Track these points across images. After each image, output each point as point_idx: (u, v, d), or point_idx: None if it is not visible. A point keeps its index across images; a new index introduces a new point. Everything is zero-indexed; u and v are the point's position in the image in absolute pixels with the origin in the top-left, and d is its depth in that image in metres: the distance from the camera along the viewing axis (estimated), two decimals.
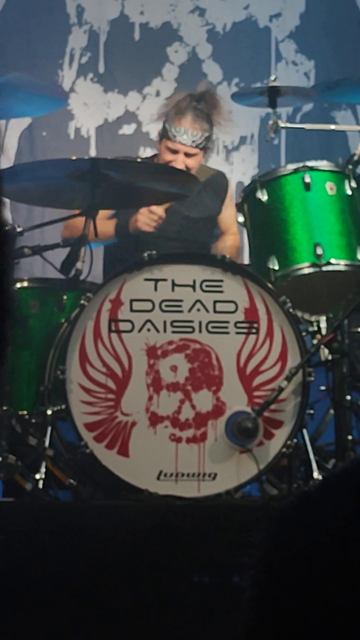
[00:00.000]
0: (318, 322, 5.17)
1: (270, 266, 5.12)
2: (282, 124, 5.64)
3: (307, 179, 5.20)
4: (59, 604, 4.15)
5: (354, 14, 7.53)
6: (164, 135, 5.76)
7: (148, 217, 5.48)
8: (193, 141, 5.68)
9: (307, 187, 5.20)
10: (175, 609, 3.97)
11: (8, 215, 6.62)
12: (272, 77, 5.71)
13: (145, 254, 4.92)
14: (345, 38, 7.49)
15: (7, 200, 6.35)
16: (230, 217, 5.93)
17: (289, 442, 4.83)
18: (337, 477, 0.90)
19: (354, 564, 0.82)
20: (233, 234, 5.96)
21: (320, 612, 0.82)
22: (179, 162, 5.63)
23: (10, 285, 0.82)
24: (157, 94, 7.31)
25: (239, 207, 5.42)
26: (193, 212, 5.86)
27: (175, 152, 5.68)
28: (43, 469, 4.76)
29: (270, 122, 5.56)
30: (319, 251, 5.08)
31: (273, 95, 5.56)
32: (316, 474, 4.77)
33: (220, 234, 5.99)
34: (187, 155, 5.66)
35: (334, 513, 0.86)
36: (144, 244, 5.31)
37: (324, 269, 5.10)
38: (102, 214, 5.40)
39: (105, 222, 5.63)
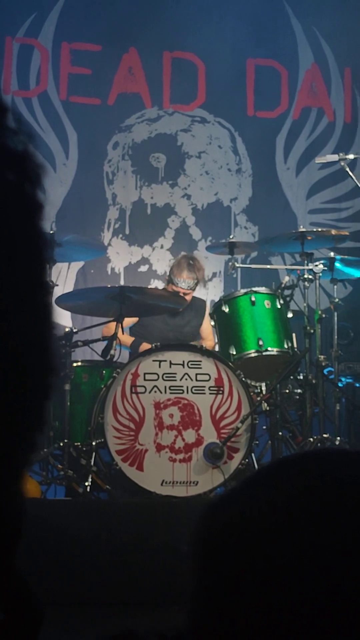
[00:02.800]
0: (260, 386, 5.11)
1: (231, 352, 5.10)
2: (237, 265, 5.61)
3: (253, 298, 5.17)
4: (100, 558, 4.11)
5: (281, 197, 7.60)
6: (170, 281, 5.81)
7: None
8: (188, 286, 5.74)
9: (253, 303, 5.17)
10: (170, 567, 3.92)
11: (69, 321, 6.66)
12: (231, 236, 5.70)
13: (153, 345, 4.95)
14: (275, 210, 7.54)
15: (68, 312, 6.39)
16: (208, 328, 5.92)
17: (243, 461, 4.80)
18: (252, 477, 0.82)
19: (260, 536, 0.74)
20: (210, 340, 5.90)
21: (241, 572, 0.74)
22: None
23: (52, 343, 0.76)
24: (162, 247, 7.26)
25: (211, 316, 5.37)
26: (183, 324, 5.91)
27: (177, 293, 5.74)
28: (90, 479, 4.73)
29: (230, 264, 5.51)
30: (260, 343, 5.07)
31: (232, 247, 5.54)
32: None
33: (201, 339, 6.01)
34: (184, 294, 5.72)
35: (248, 500, 0.78)
36: (155, 341, 5.31)
37: (264, 354, 5.07)
38: (127, 321, 5.43)
39: (127, 338, 5.67)
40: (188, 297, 5.75)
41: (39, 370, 0.74)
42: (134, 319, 5.77)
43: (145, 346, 5.52)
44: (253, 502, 0.77)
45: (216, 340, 5.42)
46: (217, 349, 5.37)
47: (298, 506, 0.74)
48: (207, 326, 5.94)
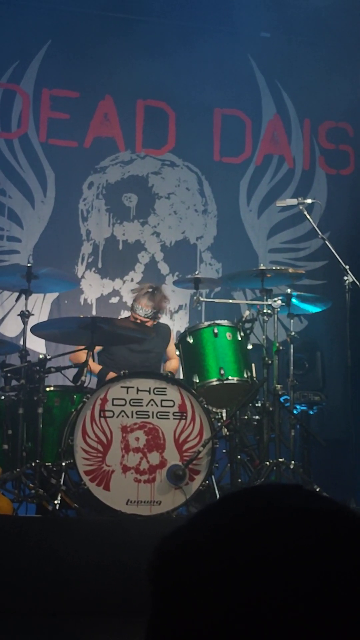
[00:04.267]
0: (221, 412, 5.11)
1: (194, 380, 5.12)
2: (202, 299, 5.60)
3: (216, 330, 5.20)
4: (68, 571, 4.09)
5: (244, 237, 7.69)
6: (131, 309, 5.87)
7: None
8: (145, 314, 5.77)
9: (215, 335, 5.19)
10: (134, 580, 3.91)
11: (43, 348, 6.66)
12: (197, 272, 5.73)
13: (122, 372, 4.97)
14: (238, 249, 7.58)
15: (43, 340, 6.39)
16: (173, 350, 5.95)
17: (203, 483, 4.81)
18: (203, 509, 0.84)
19: (206, 560, 0.77)
20: (175, 358, 5.89)
21: (191, 591, 0.76)
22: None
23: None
24: (132, 280, 7.26)
25: (177, 346, 5.38)
26: (148, 349, 5.94)
27: (135, 319, 5.77)
28: (59, 498, 4.71)
29: (195, 298, 5.52)
30: (222, 372, 5.09)
31: (197, 283, 5.52)
32: None
33: (167, 359, 6.04)
34: (142, 321, 5.74)
35: (200, 526, 0.81)
36: (122, 368, 5.35)
37: (225, 382, 5.09)
38: (97, 349, 5.45)
39: (96, 366, 5.69)
40: (147, 325, 5.74)
41: None
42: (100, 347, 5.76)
43: (112, 375, 5.54)
44: (199, 532, 0.80)
45: (180, 368, 5.44)
46: (181, 376, 5.39)
47: (238, 533, 0.78)
48: (172, 347, 5.95)
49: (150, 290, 5.83)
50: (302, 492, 0.83)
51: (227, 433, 5.08)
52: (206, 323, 5.35)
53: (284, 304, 5.45)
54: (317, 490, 4.91)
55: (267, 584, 0.75)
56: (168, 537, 0.83)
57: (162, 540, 0.83)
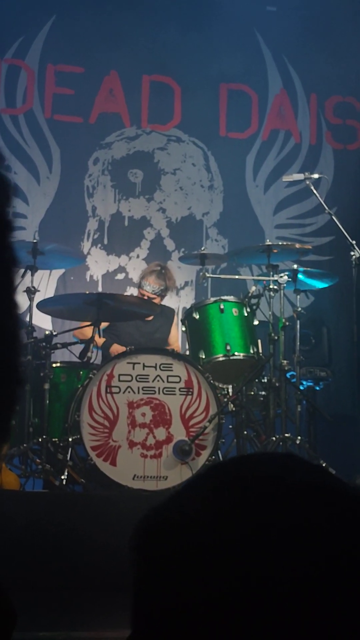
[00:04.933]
0: (227, 388, 5.14)
1: (200, 356, 5.11)
2: (208, 275, 5.62)
3: (222, 306, 5.18)
4: (75, 545, 4.11)
5: (250, 212, 7.66)
6: (139, 285, 5.85)
7: (117, 351, 5.37)
8: (153, 290, 5.75)
9: (222, 310, 5.18)
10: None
11: (49, 324, 6.65)
12: (202, 248, 5.73)
13: (128, 348, 4.97)
14: (244, 225, 7.52)
15: (49, 316, 6.38)
16: (175, 335, 5.95)
17: (210, 458, 4.83)
18: (192, 480, 0.83)
19: (192, 533, 0.75)
20: (177, 347, 5.87)
21: (175, 566, 0.75)
22: None
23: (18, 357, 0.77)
24: (138, 256, 7.23)
25: (182, 322, 5.36)
26: (153, 331, 5.91)
27: (143, 295, 5.76)
28: (66, 473, 4.74)
29: (201, 274, 5.50)
30: (228, 347, 5.09)
31: (203, 259, 5.53)
32: None
33: (168, 344, 5.99)
34: (149, 298, 5.73)
35: (187, 500, 0.80)
36: (127, 345, 5.33)
37: (231, 358, 5.09)
38: (103, 325, 5.44)
39: (99, 339, 5.69)
40: (155, 302, 5.72)
41: (7, 357, 0.74)
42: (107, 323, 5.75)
43: (116, 347, 5.55)
44: (186, 504, 0.80)
45: (186, 345, 5.43)
46: (187, 352, 5.38)
47: (224, 505, 0.77)
48: (175, 333, 5.96)
49: (158, 268, 5.82)
50: (289, 462, 0.82)
51: (234, 408, 5.09)
52: (212, 299, 5.33)
53: (290, 279, 5.42)
54: (323, 465, 4.92)
55: (252, 558, 0.74)
56: (155, 508, 0.82)
57: (149, 511, 0.82)
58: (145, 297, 5.69)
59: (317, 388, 6.17)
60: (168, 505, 0.81)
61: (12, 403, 0.83)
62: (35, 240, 5.24)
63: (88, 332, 5.22)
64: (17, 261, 0.80)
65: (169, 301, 6.26)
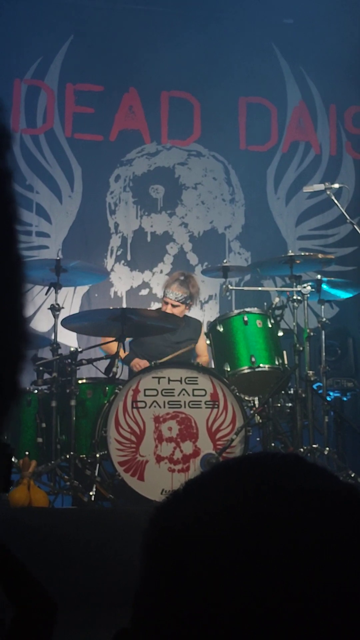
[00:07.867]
0: (253, 400, 5.11)
1: (225, 368, 5.11)
2: (231, 287, 5.61)
3: (246, 318, 5.18)
4: (104, 561, 4.09)
5: (272, 224, 7.63)
6: (163, 294, 5.85)
7: (138, 365, 5.48)
8: (176, 297, 5.74)
9: (246, 323, 5.18)
10: None
11: (75, 341, 6.64)
12: (225, 261, 5.71)
13: (153, 363, 4.96)
14: (267, 237, 7.50)
15: (74, 333, 6.38)
16: (203, 345, 5.90)
17: None
18: (197, 478, 0.83)
19: (200, 537, 0.75)
20: (205, 357, 5.87)
21: (182, 570, 0.74)
22: (169, 309, 5.71)
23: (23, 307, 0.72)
24: (161, 272, 7.25)
25: (207, 335, 5.36)
26: (180, 341, 5.89)
27: (167, 303, 5.76)
28: (94, 489, 4.72)
29: (225, 286, 5.46)
30: (253, 359, 5.08)
31: (226, 271, 5.51)
32: None
33: (197, 355, 6.00)
34: (173, 306, 5.73)
35: (191, 501, 0.79)
36: (153, 358, 5.33)
37: (256, 370, 5.08)
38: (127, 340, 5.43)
39: (123, 353, 5.68)
40: (178, 311, 5.70)
41: (10, 336, 0.71)
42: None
43: (137, 361, 5.55)
44: (195, 506, 0.79)
45: (211, 358, 5.41)
46: (212, 365, 5.36)
47: (234, 509, 0.76)
48: (202, 344, 5.93)
49: (182, 277, 5.83)
50: (293, 463, 0.81)
51: (260, 421, 5.06)
52: (236, 311, 5.33)
53: (313, 289, 5.38)
54: (352, 475, 4.87)
55: (273, 563, 0.72)
56: (161, 510, 0.82)
57: (157, 510, 0.82)
58: (169, 305, 5.70)
59: (345, 399, 6.12)
60: (178, 506, 0.80)
61: (18, 358, 0.78)
62: (59, 258, 5.25)
63: (113, 347, 5.22)
64: (18, 211, 0.76)
65: (194, 314, 6.25)
